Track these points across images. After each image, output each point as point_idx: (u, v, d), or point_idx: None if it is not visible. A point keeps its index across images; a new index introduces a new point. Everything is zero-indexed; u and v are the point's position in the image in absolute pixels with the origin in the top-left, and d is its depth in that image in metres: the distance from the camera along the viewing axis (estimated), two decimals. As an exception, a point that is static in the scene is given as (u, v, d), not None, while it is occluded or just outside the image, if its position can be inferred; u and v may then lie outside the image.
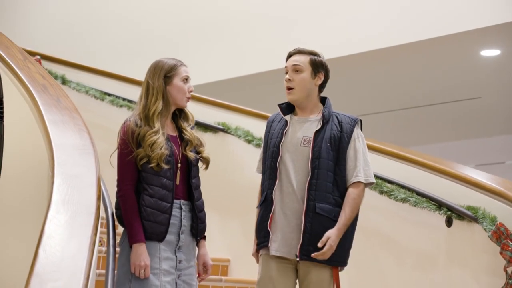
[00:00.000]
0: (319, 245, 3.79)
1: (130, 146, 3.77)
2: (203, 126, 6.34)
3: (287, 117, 4.04)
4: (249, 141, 6.10)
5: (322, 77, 4.04)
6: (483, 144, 11.68)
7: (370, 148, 5.28)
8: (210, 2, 9.86)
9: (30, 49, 7.48)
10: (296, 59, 4.02)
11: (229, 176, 6.24)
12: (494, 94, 9.50)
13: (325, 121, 3.96)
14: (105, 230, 4.05)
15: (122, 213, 3.77)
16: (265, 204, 3.94)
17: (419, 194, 4.99)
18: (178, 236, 3.79)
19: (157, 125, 3.79)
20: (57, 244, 2.41)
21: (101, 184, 3.38)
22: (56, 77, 7.68)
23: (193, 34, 9.79)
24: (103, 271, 3.85)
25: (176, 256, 3.78)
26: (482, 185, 4.73)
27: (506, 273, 4.30)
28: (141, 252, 3.67)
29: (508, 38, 7.76)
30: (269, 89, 8.31)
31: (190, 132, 3.94)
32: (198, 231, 3.87)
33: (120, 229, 3.91)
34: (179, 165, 3.85)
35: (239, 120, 6.38)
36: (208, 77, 9.16)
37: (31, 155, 3.69)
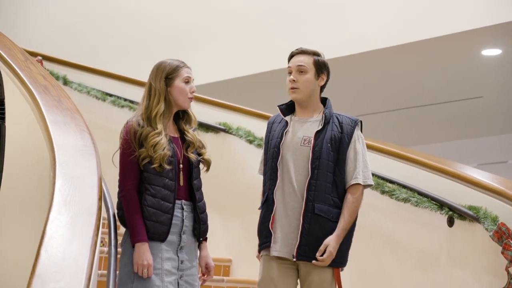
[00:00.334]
0: (318, 254, 3.80)
1: (133, 146, 3.77)
2: (204, 126, 6.35)
3: (287, 118, 4.03)
4: (250, 141, 6.10)
5: (325, 78, 4.05)
6: (484, 143, 11.68)
7: (372, 148, 5.29)
8: (212, 3, 9.86)
9: (31, 50, 7.49)
10: (301, 59, 4.01)
11: (231, 176, 6.24)
12: (495, 93, 9.50)
13: (326, 121, 3.96)
14: (107, 230, 4.05)
15: (125, 213, 3.77)
16: (267, 205, 3.94)
17: (420, 194, 4.99)
18: (180, 236, 3.80)
19: (160, 126, 3.79)
20: (58, 244, 2.41)
21: (103, 184, 3.38)
22: (57, 78, 7.69)
23: (194, 34, 9.79)
24: (105, 272, 3.85)
25: (178, 256, 3.78)
26: (484, 185, 4.73)
27: (508, 273, 4.30)
28: (144, 251, 3.68)
29: (509, 37, 7.76)
30: (270, 89, 8.32)
31: (192, 134, 3.95)
32: (200, 232, 3.87)
33: (121, 230, 3.92)
34: (181, 165, 3.85)
35: (241, 120, 6.38)
36: (210, 77, 9.17)
37: (32, 156, 3.69)
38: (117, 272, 3.80)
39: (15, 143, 3.43)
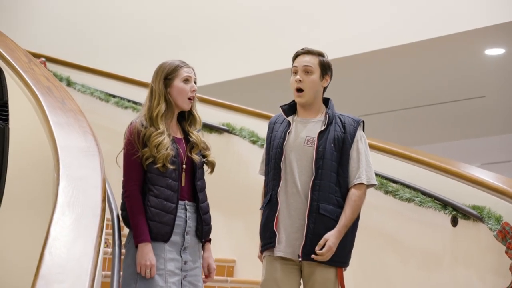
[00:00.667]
0: (317, 248, 3.79)
1: (136, 146, 3.78)
2: (208, 127, 6.35)
3: (290, 118, 4.04)
4: (254, 142, 6.11)
5: (329, 80, 4.05)
6: (488, 143, 11.67)
7: (375, 148, 5.29)
8: (214, 3, 9.87)
9: (35, 51, 7.50)
10: (307, 59, 4.00)
11: (234, 177, 6.24)
12: (498, 92, 9.49)
13: (329, 122, 3.96)
14: (111, 231, 4.06)
15: (128, 214, 3.78)
16: (270, 205, 3.94)
17: (424, 193, 4.99)
18: (183, 237, 3.80)
19: (162, 126, 3.80)
20: (62, 246, 2.41)
21: (106, 185, 3.38)
22: (61, 79, 7.70)
23: (197, 35, 9.79)
24: (109, 273, 3.86)
25: (181, 257, 3.78)
26: (487, 184, 4.72)
27: (512, 272, 4.30)
28: (147, 251, 3.68)
29: (513, 37, 7.76)
30: (273, 90, 8.32)
31: (196, 135, 3.95)
32: (202, 233, 3.87)
33: (125, 231, 3.92)
34: (184, 166, 3.85)
35: (244, 121, 6.39)
36: (213, 78, 9.17)
37: (36, 157, 3.69)
38: (121, 273, 3.81)
39: (19, 145, 3.44)
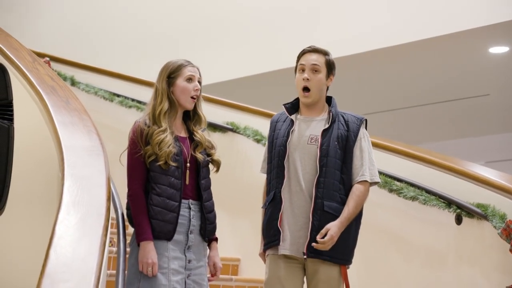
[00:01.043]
0: (318, 237, 3.78)
1: (139, 145, 3.79)
2: (212, 126, 6.35)
3: (292, 117, 4.04)
4: (258, 141, 6.11)
5: (333, 79, 4.06)
6: (492, 141, 11.65)
7: (379, 146, 5.30)
8: (217, 4, 9.87)
9: (39, 51, 7.51)
10: (314, 58, 4.01)
11: (239, 176, 6.25)
12: (502, 91, 9.48)
13: (332, 120, 3.96)
14: (116, 230, 4.07)
15: (132, 213, 3.79)
16: (274, 203, 3.94)
17: (428, 192, 4.99)
18: (187, 235, 3.80)
19: (165, 124, 3.81)
20: (67, 245, 2.42)
21: (111, 184, 3.39)
22: (65, 79, 7.71)
23: (200, 34, 9.80)
24: (114, 272, 3.86)
25: (185, 255, 3.79)
26: (492, 183, 4.72)
27: (516, 270, 4.30)
28: (149, 250, 3.69)
29: (517, 35, 7.76)
30: (277, 89, 8.31)
31: (201, 134, 3.96)
32: (206, 231, 3.88)
33: (130, 230, 3.93)
34: (188, 164, 3.86)
35: (248, 120, 6.39)
36: (217, 77, 9.17)
37: (40, 157, 3.70)
38: (126, 272, 3.82)
39: (24, 144, 3.44)
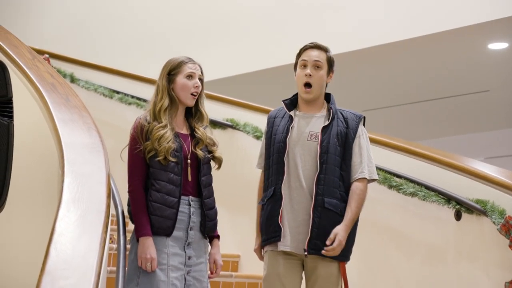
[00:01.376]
0: (328, 242, 3.80)
1: (139, 142, 3.80)
2: (211, 123, 6.32)
3: (291, 113, 4.04)
4: (257, 137, 6.11)
5: (332, 76, 4.07)
6: (492, 137, 11.66)
7: (379, 142, 5.30)
8: (216, 0, 9.86)
9: (38, 48, 7.52)
10: (317, 54, 4.01)
11: (238, 172, 6.24)
12: (502, 87, 9.48)
13: (332, 117, 3.97)
14: (116, 227, 4.07)
15: (132, 209, 3.80)
16: (274, 199, 3.94)
17: (428, 188, 4.99)
18: (187, 232, 3.81)
19: (165, 120, 3.82)
20: (68, 242, 2.42)
21: (111, 181, 3.39)
22: (64, 76, 7.71)
23: (200, 31, 9.79)
24: (114, 268, 3.87)
25: (185, 252, 3.79)
26: (491, 178, 4.73)
27: (516, 266, 4.31)
28: (148, 245, 3.69)
29: (516, 31, 7.76)
30: (277, 85, 8.31)
31: (202, 131, 3.96)
32: (205, 228, 3.88)
33: (130, 226, 3.93)
34: (189, 161, 3.86)
35: (248, 116, 6.39)
36: (217, 74, 9.17)
37: (40, 154, 3.70)
38: (126, 268, 3.82)
39: (24, 141, 3.44)
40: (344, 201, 3.89)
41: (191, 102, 3.93)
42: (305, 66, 4.01)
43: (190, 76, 3.91)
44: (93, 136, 3.42)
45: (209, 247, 3.97)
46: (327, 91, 4.10)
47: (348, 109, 4.06)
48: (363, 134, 4.00)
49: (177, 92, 3.90)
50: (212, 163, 4.01)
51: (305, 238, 3.84)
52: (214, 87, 7.91)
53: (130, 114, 7.05)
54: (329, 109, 4.01)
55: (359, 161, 3.94)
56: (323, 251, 3.80)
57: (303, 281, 4.00)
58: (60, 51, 8.37)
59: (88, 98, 7.14)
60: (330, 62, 4.04)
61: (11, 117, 2.85)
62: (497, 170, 4.99)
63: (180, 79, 3.90)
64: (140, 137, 3.80)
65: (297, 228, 3.88)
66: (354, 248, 3.98)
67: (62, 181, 2.84)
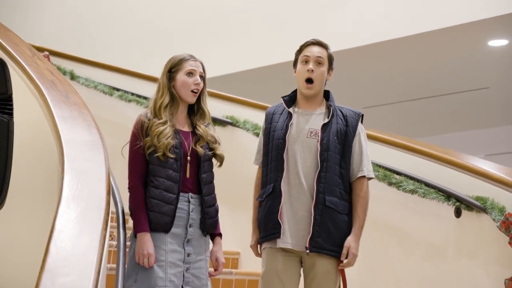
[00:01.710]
0: (342, 258, 3.84)
1: (139, 139, 3.81)
2: (211, 120, 6.34)
3: (290, 109, 4.04)
4: (257, 134, 6.10)
5: (332, 73, 4.07)
6: (491, 134, 11.66)
7: (379, 139, 5.30)
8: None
9: (38, 45, 7.52)
10: (319, 51, 4.02)
11: (238, 170, 6.24)
12: (502, 84, 9.49)
13: (332, 114, 3.97)
14: (116, 224, 4.07)
15: (131, 206, 3.81)
16: (273, 196, 3.94)
17: (427, 185, 5.00)
18: (186, 229, 3.81)
19: (165, 117, 3.82)
20: (67, 239, 2.42)
21: (111, 179, 3.39)
22: (64, 73, 7.71)
23: (199, 29, 9.79)
24: (114, 265, 3.87)
25: (184, 249, 3.79)
26: (491, 176, 4.73)
27: (515, 263, 4.31)
28: (145, 241, 3.70)
29: (516, 28, 7.76)
30: (277, 83, 8.31)
31: (204, 129, 3.96)
32: (205, 226, 3.88)
33: (130, 223, 3.94)
34: (189, 158, 3.86)
35: (248, 114, 6.39)
36: (217, 71, 9.17)
37: (40, 151, 3.71)
38: (126, 265, 3.82)
39: (23, 139, 3.45)
40: (344, 199, 3.90)
41: (191, 99, 3.93)
42: (306, 62, 4.01)
43: (190, 73, 3.91)
44: (93, 133, 3.42)
45: (211, 244, 3.97)
46: (326, 88, 4.10)
47: (347, 106, 4.07)
48: (362, 132, 4.01)
49: (177, 89, 3.91)
50: (214, 160, 4.01)
51: (305, 235, 3.84)
52: (214, 84, 7.91)
53: (130, 111, 7.05)
54: (328, 107, 4.01)
55: (360, 159, 3.95)
56: (339, 267, 3.87)
57: (302, 278, 4.01)
58: (60, 49, 8.37)
59: (88, 95, 7.15)
60: (331, 59, 4.05)
61: (11, 114, 2.85)
62: (497, 167, 4.99)
63: (181, 76, 3.91)
64: (141, 134, 3.81)
65: (296, 225, 3.88)
66: (354, 245, 3.99)
67: (62, 178, 2.84)
